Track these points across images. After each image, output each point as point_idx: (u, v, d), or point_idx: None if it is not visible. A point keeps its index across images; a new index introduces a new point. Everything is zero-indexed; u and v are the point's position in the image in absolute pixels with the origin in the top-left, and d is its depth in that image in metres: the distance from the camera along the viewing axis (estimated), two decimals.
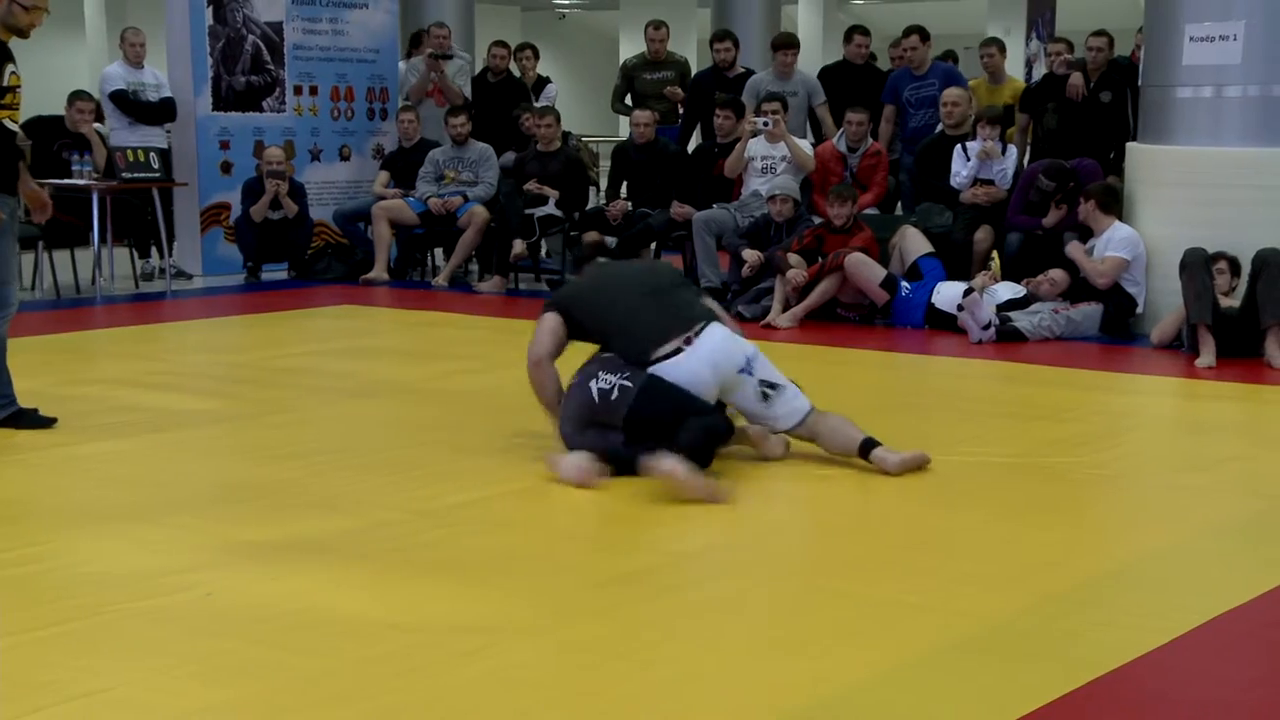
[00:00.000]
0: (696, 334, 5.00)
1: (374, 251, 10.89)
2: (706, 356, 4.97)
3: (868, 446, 4.96)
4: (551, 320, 5.26)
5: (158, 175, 10.33)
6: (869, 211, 9.49)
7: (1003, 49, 10.49)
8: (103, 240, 9.98)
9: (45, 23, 5.62)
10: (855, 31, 10.73)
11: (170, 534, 4.25)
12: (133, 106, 10.57)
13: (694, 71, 11.58)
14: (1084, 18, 16.80)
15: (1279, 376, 7.01)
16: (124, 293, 10.20)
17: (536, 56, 12.17)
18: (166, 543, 4.16)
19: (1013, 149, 9.35)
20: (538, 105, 11.24)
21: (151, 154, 10.27)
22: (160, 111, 10.71)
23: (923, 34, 10.16)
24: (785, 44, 10.36)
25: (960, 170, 9.20)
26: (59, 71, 20.48)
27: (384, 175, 11.10)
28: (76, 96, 10.55)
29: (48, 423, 5.61)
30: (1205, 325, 7.25)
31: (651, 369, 4.92)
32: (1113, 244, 8.11)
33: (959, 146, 9.24)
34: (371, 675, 3.18)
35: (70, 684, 3.10)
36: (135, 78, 10.70)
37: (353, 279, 10.62)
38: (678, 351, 4.95)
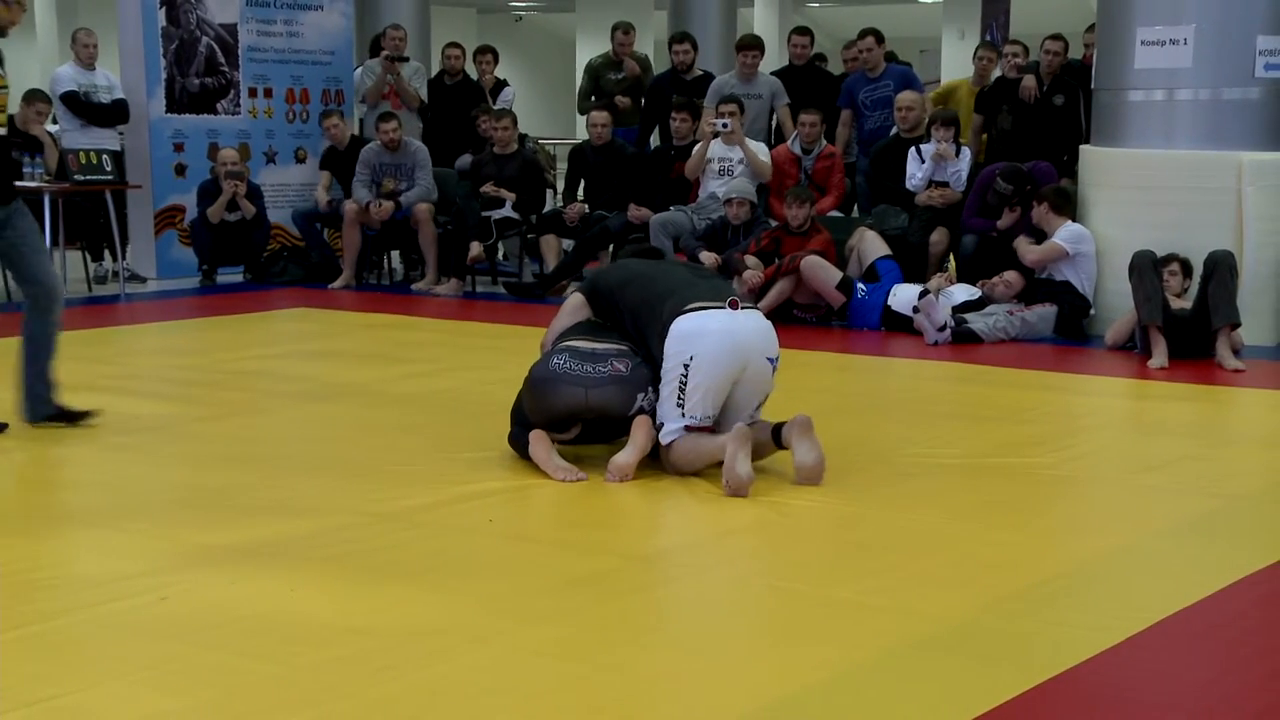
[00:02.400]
0: (744, 308, 5.03)
1: (329, 254, 10.85)
2: (747, 324, 4.96)
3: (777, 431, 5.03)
4: (573, 300, 5.34)
5: (111, 178, 10.24)
6: (833, 214, 9.53)
7: (998, 54, 10.46)
8: (55, 243, 9.89)
9: None
10: (794, 33, 10.81)
11: (126, 538, 4.22)
12: (84, 108, 10.48)
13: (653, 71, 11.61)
14: (1037, 21, 16.92)
15: (1230, 377, 7.08)
16: (77, 296, 10.11)
17: (496, 60, 12.15)
18: (122, 547, 4.12)
19: (966, 151, 9.40)
20: (495, 108, 11.21)
21: (104, 156, 10.19)
22: (112, 113, 10.62)
23: (877, 36, 10.21)
24: (748, 45, 10.37)
25: (915, 173, 9.24)
26: (9, 72, 20.28)
27: (326, 176, 10.99)
28: (34, 96, 10.45)
29: (86, 415, 5.64)
30: (1156, 326, 7.32)
31: (686, 315, 4.90)
32: (1058, 238, 8.20)
33: (913, 149, 9.29)
34: (328, 680, 3.16)
35: (21, 690, 3.06)
36: (87, 79, 10.61)
37: (309, 282, 10.57)
38: (720, 309, 4.96)
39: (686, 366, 4.86)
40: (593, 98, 11.40)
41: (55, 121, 10.89)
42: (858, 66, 10.49)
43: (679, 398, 4.88)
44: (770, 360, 4.99)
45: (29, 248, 5.53)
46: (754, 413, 5.04)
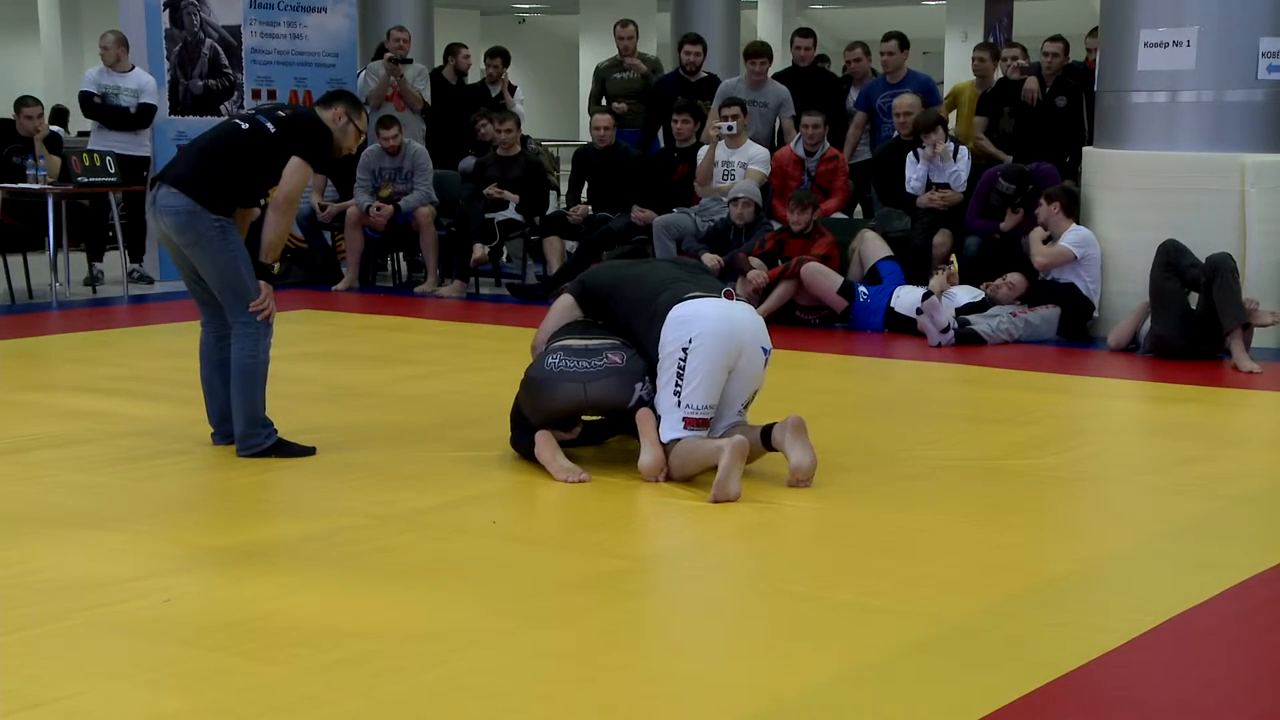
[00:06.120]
0: (738, 300, 5.07)
1: (333, 257, 10.84)
2: (743, 314, 5.00)
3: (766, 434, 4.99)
4: (562, 302, 5.33)
5: (114, 179, 10.24)
6: (837, 216, 9.52)
7: (996, 55, 10.43)
8: (58, 245, 9.88)
9: None
10: (797, 34, 10.79)
11: (129, 540, 4.22)
12: (96, 110, 10.47)
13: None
14: (1041, 23, 16.92)
15: (1233, 378, 7.08)
16: (81, 298, 10.11)
17: (506, 63, 12.11)
18: (125, 549, 4.12)
19: (965, 151, 9.37)
20: (500, 110, 11.18)
21: (107, 158, 10.19)
22: (126, 118, 10.55)
23: (901, 40, 10.07)
24: (757, 53, 10.31)
25: (912, 175, 9.24)
26: (12, 75, 20.33)
27: (320, 179, 10.92)
28: (24, 102, 10.42)
29: (308, 451, 5.32)
30: (1243, 326, 7.28)
31: (684, 303, 4.92)
32: (1065, 241, 8.20)
33: (911, 152, 9.28)
34: (329, 682, 3.16)
35: (21, 693, 3.07)
36: (111, 81, 10.60)
37: (313, 284, 10.56)
38: (715, 298, 4.97)
39: (685, 350, 4.84)
40: (602, 100, 11.39)
41: (60, 124, 10.90)
42: (859, 69, 10.48)
43: (676, 384, 4.85)
44: (764, 350, 5.00)
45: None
46: (741, 410, 5.04)
